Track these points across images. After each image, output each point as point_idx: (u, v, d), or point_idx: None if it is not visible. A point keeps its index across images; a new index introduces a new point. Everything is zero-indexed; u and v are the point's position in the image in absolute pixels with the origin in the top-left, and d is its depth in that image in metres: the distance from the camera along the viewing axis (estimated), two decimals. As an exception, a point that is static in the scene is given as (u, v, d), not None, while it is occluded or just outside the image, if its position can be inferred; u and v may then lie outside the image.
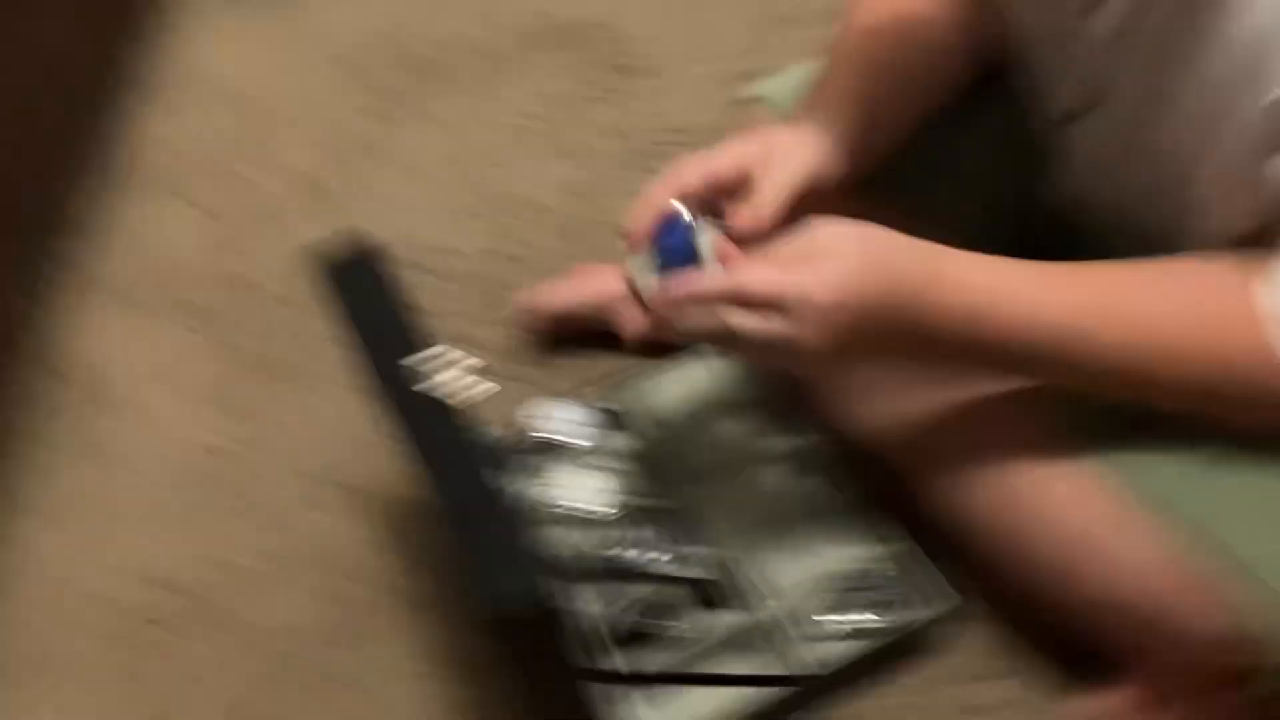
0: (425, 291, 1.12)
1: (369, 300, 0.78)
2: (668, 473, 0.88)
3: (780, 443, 0.90)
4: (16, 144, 1.27)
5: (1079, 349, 0.65)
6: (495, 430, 0.89)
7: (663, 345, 0.99)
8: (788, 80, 0.92)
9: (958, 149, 0.83)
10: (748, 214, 0.72)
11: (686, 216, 0.71)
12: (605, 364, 1.05)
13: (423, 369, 0.77)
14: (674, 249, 0.70)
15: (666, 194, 0.73)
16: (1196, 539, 0.68)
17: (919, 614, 0.83)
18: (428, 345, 0.79)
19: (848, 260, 0.63)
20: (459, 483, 0.71)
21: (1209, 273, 0.65)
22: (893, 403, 0.81)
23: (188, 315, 1.16)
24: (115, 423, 1.09)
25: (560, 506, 0.86)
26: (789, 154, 0.74)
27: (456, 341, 1.06)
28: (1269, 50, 0.58)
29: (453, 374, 0.78)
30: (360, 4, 1.50)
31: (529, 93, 1.34)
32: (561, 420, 0.91)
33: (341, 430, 1.04)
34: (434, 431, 0.74)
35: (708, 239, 0.69)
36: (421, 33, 1.43)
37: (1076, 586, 0.73)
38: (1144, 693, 0.79)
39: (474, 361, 0.79)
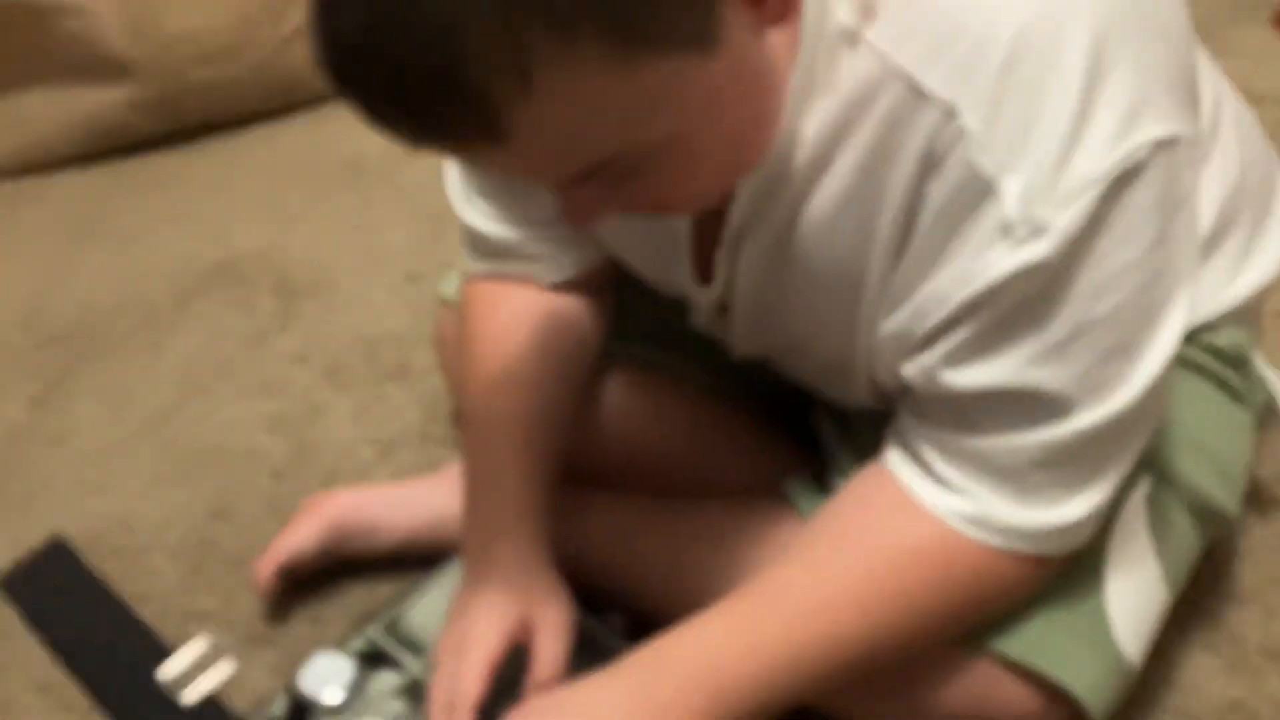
0: (140, 577, 1.02)
1: (74, 613, 0.70)
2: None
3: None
4: None
5: (824, 652, 0.65)
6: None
7: (417, 558, 0.96)
8: None
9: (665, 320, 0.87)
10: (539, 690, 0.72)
11: None
12: (360, 598, 0.99)
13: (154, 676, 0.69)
14: None
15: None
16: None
17: None
18: (146, 644, 0.71)
19: None
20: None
21: (876, 505, 0.67)
22: None
23: None
24: None
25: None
26: (546, 612, 0.75)
27: (186, 621, 0.98)
28: (849, 282, 0.65)
29: (187, 667, 0.71)
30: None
31: (200, 341, 1.27)
32: (315, 677, 0.83)
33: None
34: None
35: None
36: (58, 302, 1.34)
37: None
38: None
39: (202, 645, 0.71)
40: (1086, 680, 0.69)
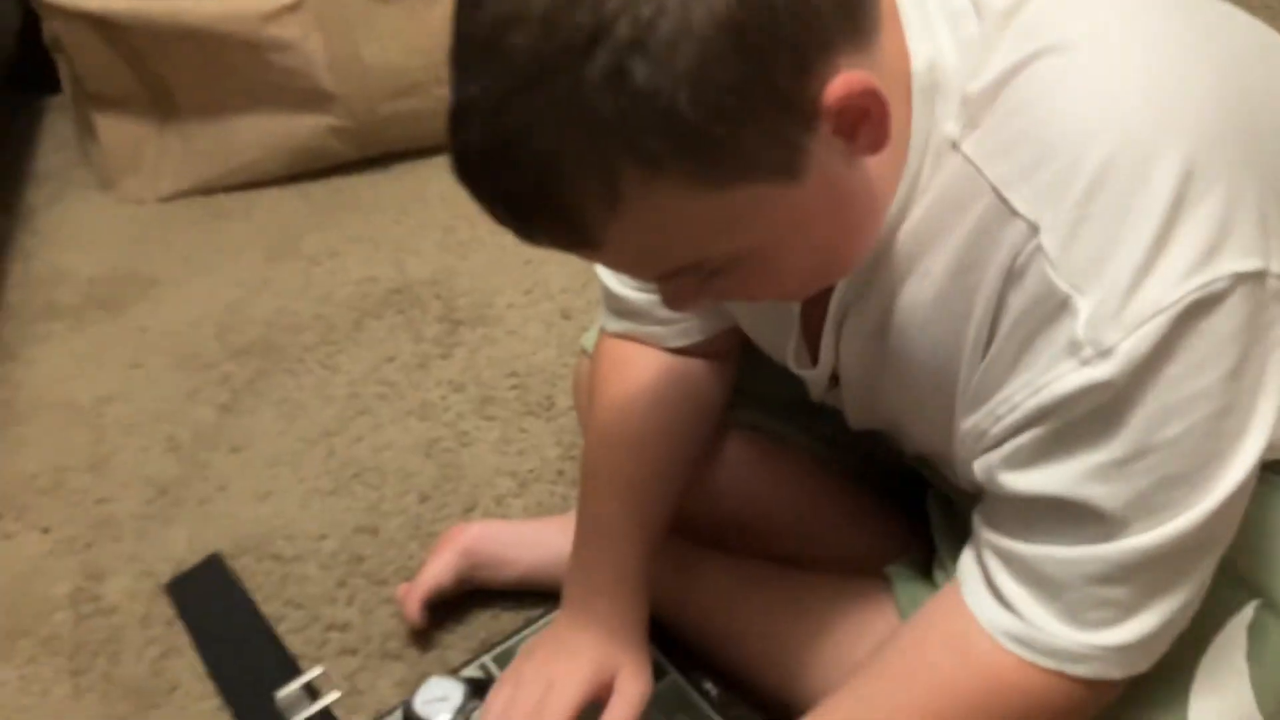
0: (293, 584, 1.12)
1: (220, 622, 0.79)
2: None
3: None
4: None
5: None
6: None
7: (543, 593, 1.01)
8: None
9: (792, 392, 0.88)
10: None
11: None
12: (484, 625, 1.05)
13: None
14: None
15: None
16: None
17: None
18: (277, 658, 0.80)
19: None
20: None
21: (936, 638, 0.67)
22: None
23: (35, 646, 1.12)
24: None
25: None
26: (629, 683, 0.79)
27: (328, 630, 1.07)
28: (943, 378, 0.67)
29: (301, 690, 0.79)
30: (183, 293, 1.53)
31: (369, 362, 1.37)
32: (429, 699, 0.90)
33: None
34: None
35: None
36: (250, 315, 1.46)
37: None
38: None
39: (316, 672, 0.78)
40: None
